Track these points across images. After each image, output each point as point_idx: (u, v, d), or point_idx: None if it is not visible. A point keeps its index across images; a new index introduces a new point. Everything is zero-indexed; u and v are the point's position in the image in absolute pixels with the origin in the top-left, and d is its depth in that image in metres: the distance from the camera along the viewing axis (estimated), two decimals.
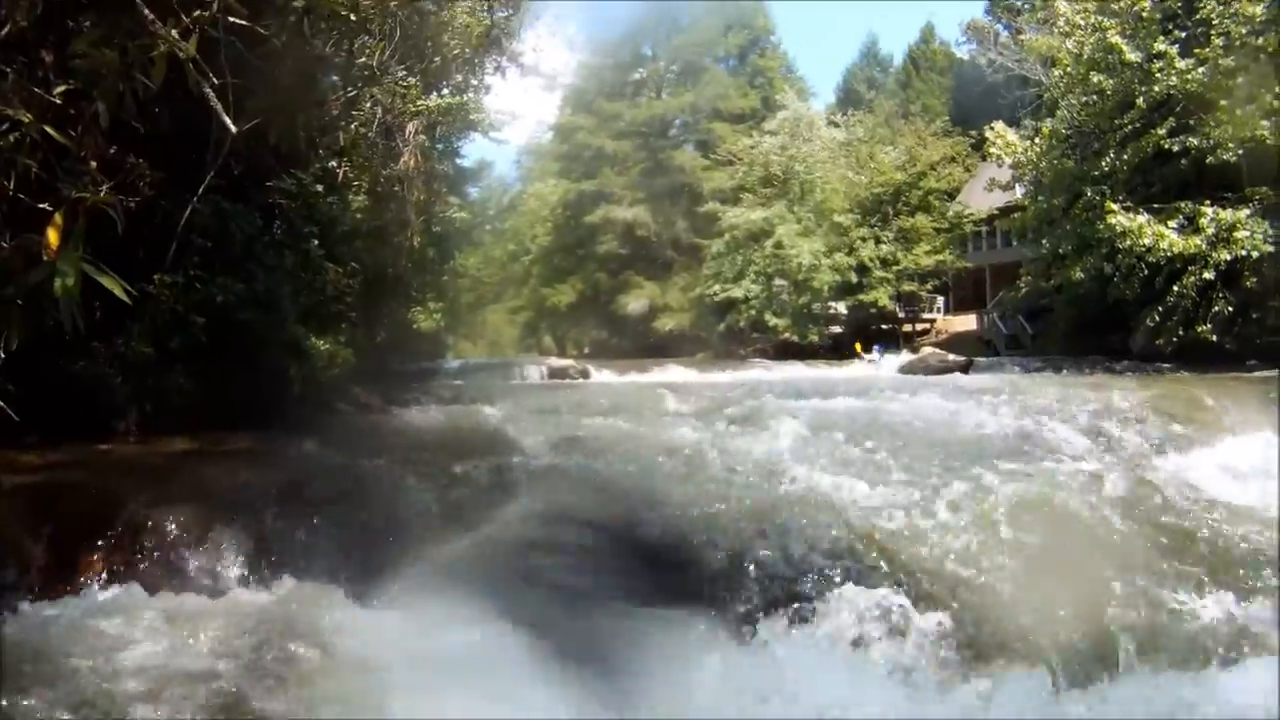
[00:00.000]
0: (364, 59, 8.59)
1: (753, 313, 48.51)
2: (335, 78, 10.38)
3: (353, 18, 6.24)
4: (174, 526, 5.60)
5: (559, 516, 6.43)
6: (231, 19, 5.32)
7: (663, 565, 5.70)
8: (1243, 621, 5.25)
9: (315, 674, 4.29)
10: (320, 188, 11.76)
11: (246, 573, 5.49)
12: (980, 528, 6.20)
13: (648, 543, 5.98)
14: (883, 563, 5.58)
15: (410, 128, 15.39)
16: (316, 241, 11.74)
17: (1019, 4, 48.76)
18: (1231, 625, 5.25)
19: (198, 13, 5.04)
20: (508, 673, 4.61)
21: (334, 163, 12.87)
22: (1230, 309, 21.00)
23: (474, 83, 17.19)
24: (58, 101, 5.33)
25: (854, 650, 4.86)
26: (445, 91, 17.18)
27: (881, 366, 31.13)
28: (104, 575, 5.27)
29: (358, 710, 4.13)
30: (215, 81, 5.61)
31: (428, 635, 4.85)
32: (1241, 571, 5.79)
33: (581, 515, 6.48)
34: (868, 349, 39.48)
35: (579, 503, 6.83)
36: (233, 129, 5.84)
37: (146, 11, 4.89)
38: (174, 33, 4.95)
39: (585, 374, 27.78)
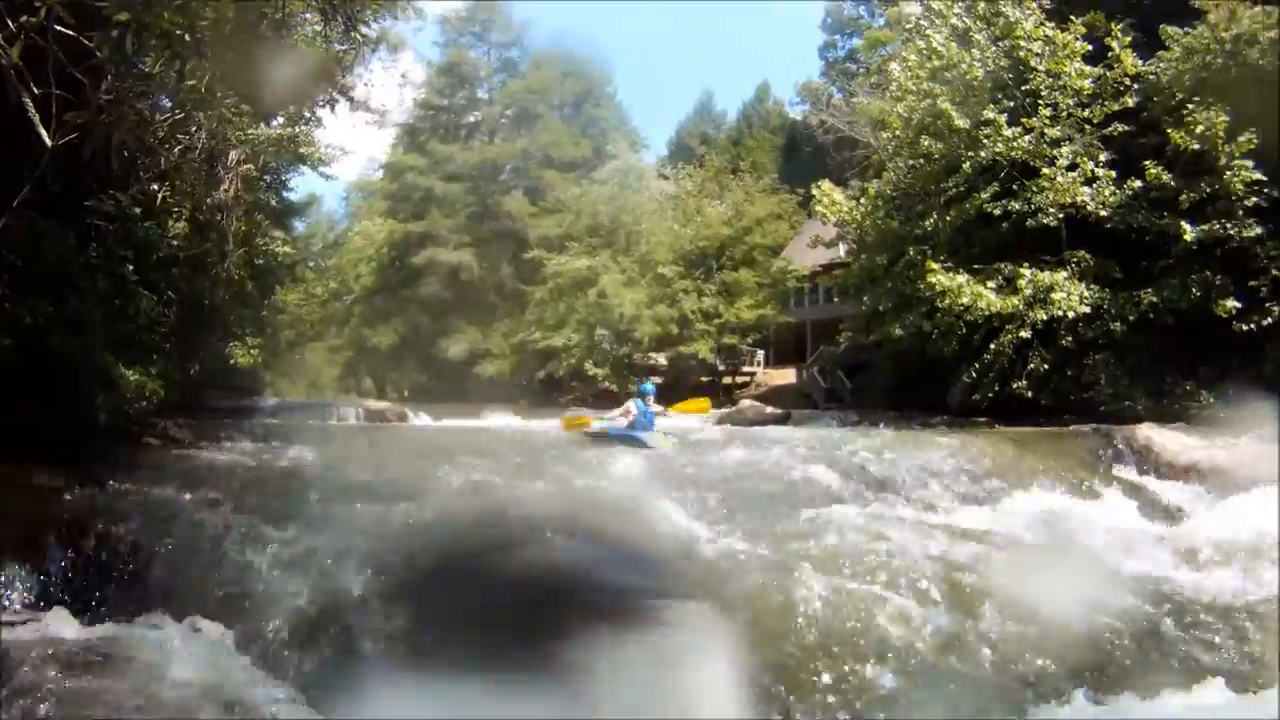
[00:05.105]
0: (194, 81, 8.30)
1: (573, 361, 48.61)
2: (164, 99, 10.02)
3: (186, 38, 6.02)
4: None
5: (351, 554, 6.29)
6: (59, 28, 5.10)
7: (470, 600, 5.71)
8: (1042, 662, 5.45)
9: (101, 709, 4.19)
10: (139, 211, 11.36)
11: (29, 605, 5.34)
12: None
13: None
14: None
15: (233, 155, 15.02)
16: (132, 267, 11.32)
17: (853, 68, 50.53)
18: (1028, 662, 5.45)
19: (25, 18, 4.82)
20: None
21: (155, 186, 12.44)
22: (1046, 366, 21.70)
23: (305, 114, 16.89)
24: None
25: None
26: (277, 122, 16.82)
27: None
28: None
29: None
30: (36, 92, 5.38)
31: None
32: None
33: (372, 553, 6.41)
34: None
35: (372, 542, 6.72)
36: (49, 142, 5.59)
37: None
38: None
39: (403, 417, 27.29)
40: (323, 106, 15.92)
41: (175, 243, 13.99)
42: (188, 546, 6.30)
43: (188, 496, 7.49)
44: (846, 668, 5.21)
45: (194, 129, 12.35)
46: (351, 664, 5.14)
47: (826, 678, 5.12)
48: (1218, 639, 5.91)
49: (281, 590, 5.79)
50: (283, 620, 5.47)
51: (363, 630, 5.41)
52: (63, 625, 5.19)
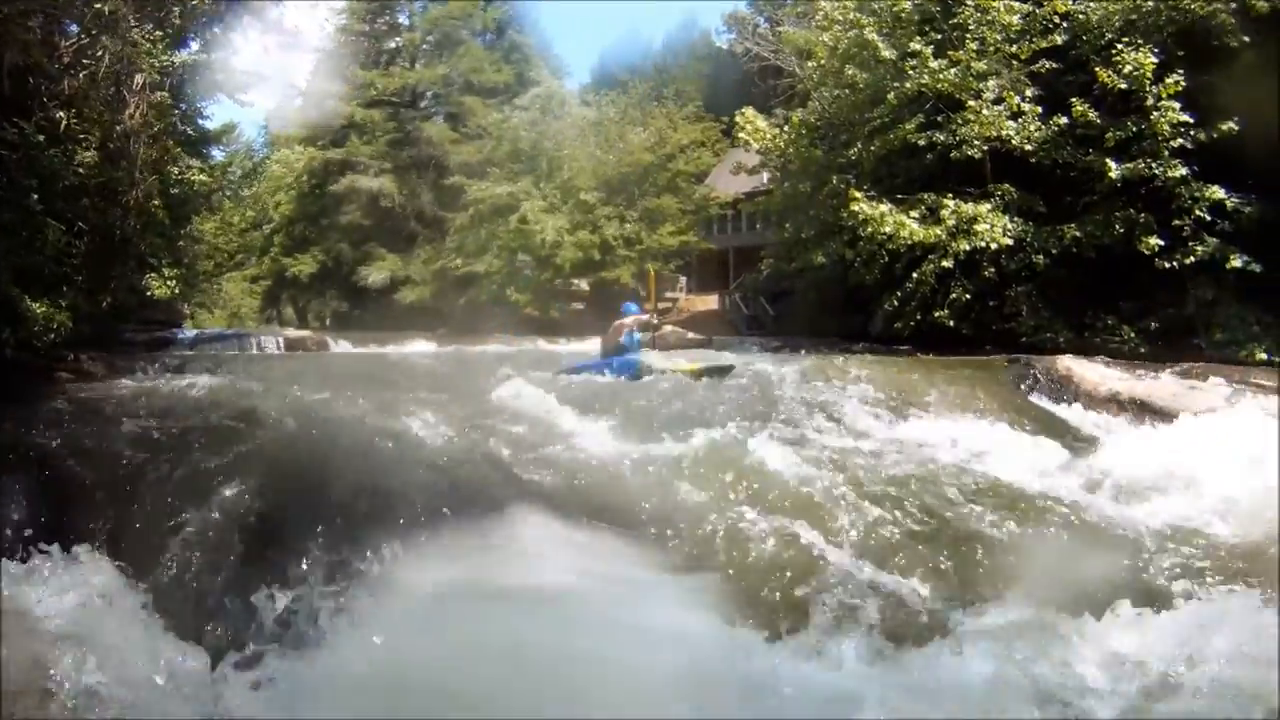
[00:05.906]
0: (100, 5, 8.03)
1: (494, 288, 48.28)
2: (70, 25, 9.72)
3: None
4: None
5: (269, 488, 6.18)
6: None
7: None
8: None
9: None
10: (43, 139, 11.05)
11: None
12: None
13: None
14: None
15: (139, 79, 14.57)
16: (36, 196, 11.04)
17: None
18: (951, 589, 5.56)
19: None
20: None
21: (60, 113, 12.07)
22: (968, 296, 22.07)
23: (219, 36, 16.43)
24: None
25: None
26: (193, 46, 16.34)
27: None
28: None
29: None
30: None
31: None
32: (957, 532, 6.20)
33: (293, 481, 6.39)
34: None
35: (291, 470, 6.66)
36: None
37: None
38: None
39: (323, 346, 27.08)
40: (233, 29, 15.48)
41: (83, 171, 13.60)
42: (76, 478, 6.18)
43: (87, 429, 7.40)
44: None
45: (100, 53, 11.99)
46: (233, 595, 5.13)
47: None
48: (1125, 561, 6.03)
49: (175, 521, 5.68)
50: (174, 552, 5.39)
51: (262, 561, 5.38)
52: None
